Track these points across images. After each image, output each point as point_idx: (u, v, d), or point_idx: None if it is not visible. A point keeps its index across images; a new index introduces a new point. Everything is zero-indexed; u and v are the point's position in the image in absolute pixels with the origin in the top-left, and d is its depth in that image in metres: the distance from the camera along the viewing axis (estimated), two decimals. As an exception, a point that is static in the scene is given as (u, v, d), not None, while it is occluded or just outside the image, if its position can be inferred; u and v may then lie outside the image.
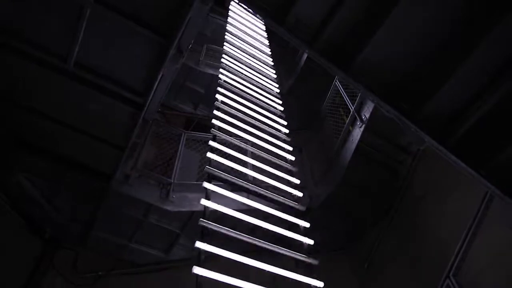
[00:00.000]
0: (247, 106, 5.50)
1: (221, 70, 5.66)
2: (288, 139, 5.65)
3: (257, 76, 6.32)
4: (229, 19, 7.02)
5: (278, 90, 6.55)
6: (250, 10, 7.17)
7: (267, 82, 6.46)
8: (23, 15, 3.88)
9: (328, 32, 3.28)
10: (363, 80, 3.30)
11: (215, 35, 10.84)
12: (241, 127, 5.12)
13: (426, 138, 3.29)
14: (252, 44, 7.09)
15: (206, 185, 4.11)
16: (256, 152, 5.23)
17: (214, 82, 5.48)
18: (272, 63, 7.15)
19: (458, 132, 3.20)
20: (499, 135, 3.17)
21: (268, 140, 5.38)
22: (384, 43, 3.15)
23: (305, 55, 10.29)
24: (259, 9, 3.38)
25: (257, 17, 7.68)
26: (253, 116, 5.43)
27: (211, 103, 5.11)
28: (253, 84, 6.02)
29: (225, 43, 6.30)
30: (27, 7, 3.82)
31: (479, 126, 3.15)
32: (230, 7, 7.39)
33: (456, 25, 2.99)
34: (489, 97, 3.04)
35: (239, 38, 6.78)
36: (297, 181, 5.10)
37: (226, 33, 6.58)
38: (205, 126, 8.29)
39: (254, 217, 4.19)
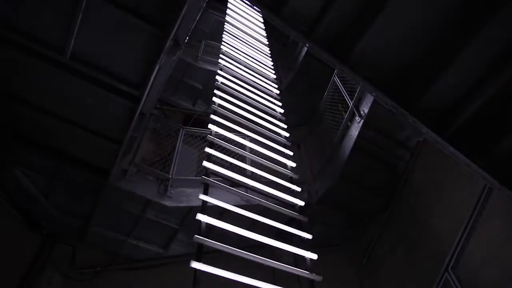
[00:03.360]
0: (245, 101, 5.48)
1: (219, 66, 5.64)
2: (287, 134, 5.63)
3: (255, 72, 6.30)
4: (228, 12, 7.01)
5: (276, 87, 6.53)
6: (248, 2, 7.15)
7: (266, 79, 6.44)
8: (18, 6, 3.84)
9: (326, 22, 3.25)
10: (361, 71, 3.27)
11: (214, 31, 10.84)
12: (239, 122, 5.10)
13: (424, 129, 3.27)
14: (251, 40, 7.07)
15: (204, 179, 4.09)
16: (255, 147, 5.21)
17: (212, 78, 5.45)
18: (271, 59, 7.13)
19: (456, 123, 3.18)
20: (498, 126, 3.15)
21: (266, 135, 5.36)
22: (382, 33, 3.12)
23: (304, 51, 10.28)
24: (256, 0, 3.36)
25: (255, 9, 7.65)
26: (251, 112, 5.41)
27: (210, 99, 5.09)
28: (251, 80, 6.00)
29: (223, 38, 6.28)
30: (22, -2, 3.80)
31: (478, 117, 3.12)
32: (229, 1, 7.37)
33: (455, 14, 2.96)
34: (488, 87, 3.02)
35: (237, 33, 6.77)
36: (296, 176, 5.09)
37: (225, 27, 6.56)
38: (204, 122, 8.28)
39: (253, 212, 4.19)
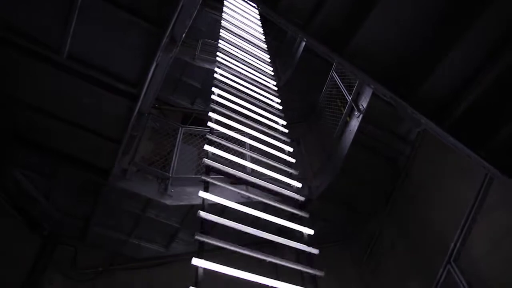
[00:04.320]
0: (244, 98, 5.48)
1: (217, 63, 5.64)
2: (285, 131, 5.63)
3: (253, 70, 6.30)
4: (225, 9, 7.01)
5: (274, 83, 6.53)
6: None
7: (264, 76, 6.45)
8: (14, 6, 3.82)
9: (322, 15, 3.23)
10: (358, 63, 3.26)
11: (211, 30, 10.82)
12: (239, 120, 5.10)
13: (423, 120, 3.26)
14: (248, 37, 7.07)
15: (204, 177, 4.09)
16: (254, 144, 5.21)
17: (210, 77, 5.46)
18: (268, 56, 7.13)
19: (455, 113, 3.17)
20: (497, 115, 3.14)
21: (265, 131, 5.36)
22: (379, 25, 3.11)
23: (301, 48, 10.25)
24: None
25: (250, 4, 7.64)
26: (250, 109, 5.41)
27: (208, 98, 5.09)
28: (250, 77, 6.01)
29: (220, 35, 6.28)
30: (18, -2, 3.77)
31: (477, 106, 3.12)
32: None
33: (451, 4, 2.95)
34: (487, 76, 3.01)
35: (234, 30, 6.77)
36: (296, 172, 5.08)
37: (222, 23, 6.56)
38: (203, 120, 8.26)
39: (254, 209, 4.18)
